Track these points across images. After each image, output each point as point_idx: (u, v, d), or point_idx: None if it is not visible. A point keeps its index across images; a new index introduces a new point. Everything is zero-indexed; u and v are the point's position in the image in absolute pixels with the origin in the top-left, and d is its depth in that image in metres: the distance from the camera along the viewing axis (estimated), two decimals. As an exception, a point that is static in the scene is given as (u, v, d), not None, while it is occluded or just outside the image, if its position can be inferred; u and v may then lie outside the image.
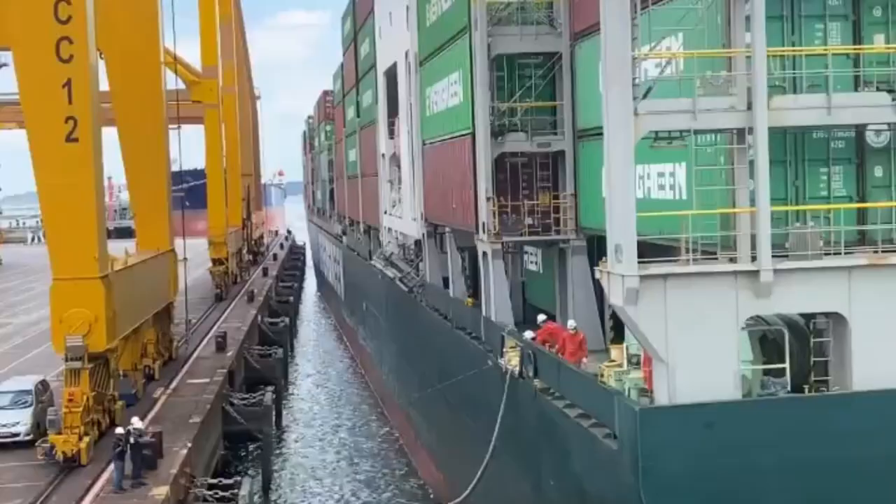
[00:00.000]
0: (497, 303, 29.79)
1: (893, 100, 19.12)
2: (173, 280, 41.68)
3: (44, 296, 32.35)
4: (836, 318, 19.40)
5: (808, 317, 20.23)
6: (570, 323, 25.09)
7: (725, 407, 18.43)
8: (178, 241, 43.49)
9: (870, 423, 18.47)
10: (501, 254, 30.07)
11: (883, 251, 19.46)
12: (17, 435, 29.08)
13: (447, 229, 36.61)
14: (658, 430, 18.31)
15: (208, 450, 32.87)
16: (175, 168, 55.60)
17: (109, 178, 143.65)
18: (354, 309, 68.62)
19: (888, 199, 20.02)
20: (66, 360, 27.70)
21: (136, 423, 26.64)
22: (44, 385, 31.27)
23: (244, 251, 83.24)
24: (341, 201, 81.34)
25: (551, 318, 29.78)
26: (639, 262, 18.61)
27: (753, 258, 18.95)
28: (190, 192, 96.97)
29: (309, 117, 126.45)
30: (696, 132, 19.14)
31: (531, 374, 24.84)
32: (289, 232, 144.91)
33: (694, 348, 18.73)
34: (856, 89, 19.66)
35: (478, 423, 30.31)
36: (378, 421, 50.12)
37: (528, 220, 30.45)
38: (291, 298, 78.92)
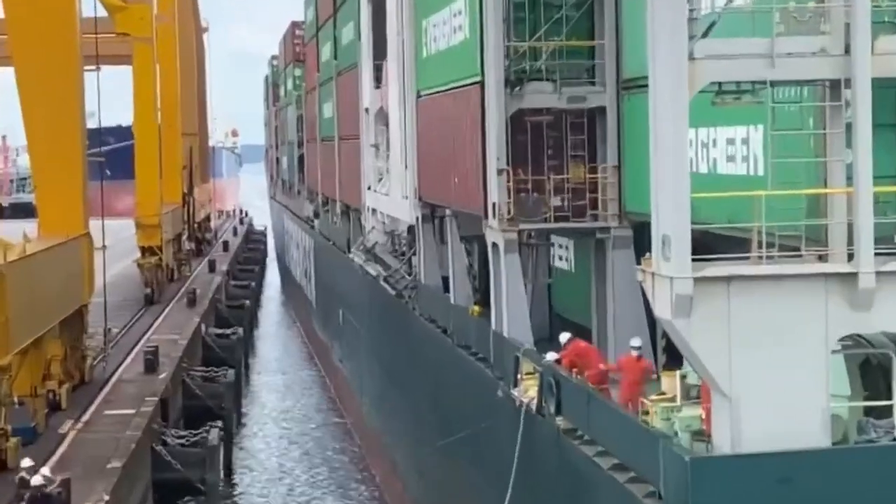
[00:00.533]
0: (511, 312, 29.89)
1: None
2: (88, 275, 41.86)
3: None
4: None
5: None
6: (634, 342, 24.92)
7: (808, 457, 18.44)
8: (96, 224, 43.65)
9: None
10: (518, 246, 30.11)
11: None
12: None
13: (448, 212, 36.70)
14: (716, 486, 18.33)
15: None
16: (92, 124, 55.89)
17: (3, 138, 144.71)
18: (328, 318, 68.93)
19: None
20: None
21: (34, 468, 26.71)
22: None
23: (184, 238, 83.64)
24: (313, 172, 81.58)
25: (584, 332, 29.84)
26: (693, 261, 18.64)
27: (851, 256, 18.98)
28: (112, 156, 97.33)
29: (273, 58, 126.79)
30: (774, 84, 19.14)
31: (553, 409, 24.92)
32: (245, 213, 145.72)
33: (767, 377, 18.74)
34: None
35: (484, 475, 30.42)
36: (356, 470, 50.33)
37: (556, 201, 30.49)
38: (247, 302, 79.45)
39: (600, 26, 29.68)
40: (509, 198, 29.75)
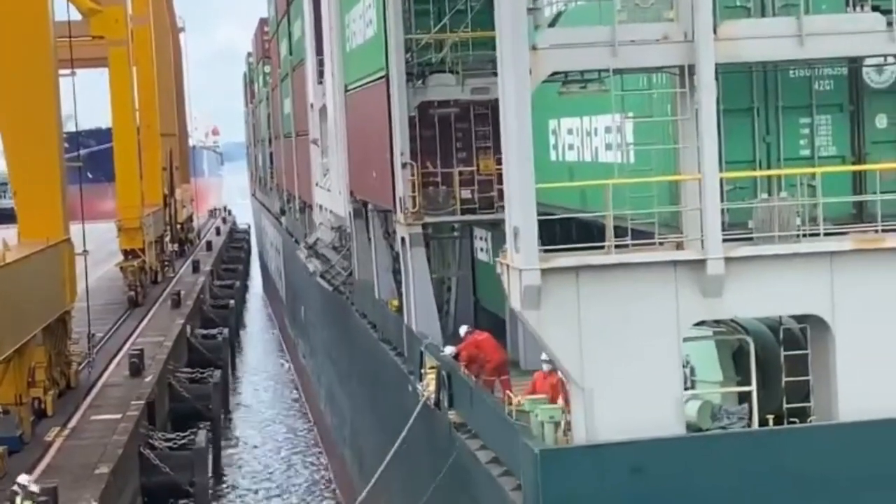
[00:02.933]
0: (418, 306, 29.93)
1: (889, 23, 19.05)
2: (70, 281, 41.76)
3: None
4: (816, 324, 19.38)
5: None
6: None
7: (658, 445, 18.47)
8: (77, 228, 43.70)
9: (857, 466, 18.46)
10: (423, 239, 30.17)
11: (883, 230, 19.43)
12: None
13: (370, 207, 36.79)
14: (566, 477, 18.38)
15: None
16: (70, 128, 55.75)
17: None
18: (295, 315, 69.03)
19: (895, 157, 19.99)
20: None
21: (23, 479, 26.68)
22: None
23: (167, 239, 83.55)
24: (279, 169, 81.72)
25: (499, 324, 29.90)
26: (542, 251, 18.65)
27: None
28: (91, 159, 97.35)
29: (249, 55, 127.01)
30: (618, 72, 19.12)
31: (447, 403, 25.00)
32: (228, 212, 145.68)
33: (620, 367, 18.79)
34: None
35: (404, 469, 30.51)
36: (321, 467, 50.55)
37: (466, 193, 30.55)
38: (232, 302, 79.23)
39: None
40: (414, 192, 29.77)
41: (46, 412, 36.95)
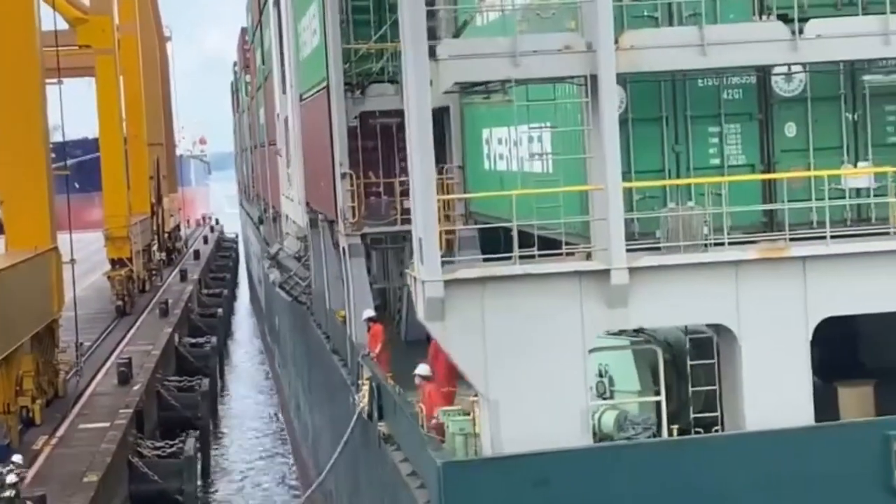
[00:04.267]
0: (358, 316, 29.86)
1: (794, 32, 19.02)
2: (57, 290, 41.82)
3: None
4: (724, 333, 19.34)
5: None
6: (421, 369, 24.53)
7: (562, 457, 18.37)
8: (64, 237, 43.73)
9: (760, 475, 18.38)
10: (363, 249, 30.13)
11: (791, 239, 19.40)
12: None
13: (320, 217, 36.79)
14: (470, 491, 18.30)
15: None
16: (57, 138, 55.77)
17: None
18: (271, 323, 69.06)
19: (804, 165, 19.97)
20: None
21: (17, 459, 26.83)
22: None
23: (154, 248, 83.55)
24: (257, 178, 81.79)
25: None
26: (445, 262, 18.62)
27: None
28: (78, 169, 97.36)
29: (235, 63, 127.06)
30: (520, 83, 19.10)
31: (377, 415, 24.97)
32: (216, 220, 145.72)
33: (525, 378, 18.73)
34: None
35: (345, 482, 30.54)
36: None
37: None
38: (220, 310, 79.17)
39: (438, 32, 29.61)
40: (353, 202, 29.74)
41: (34, 421, 36.94)
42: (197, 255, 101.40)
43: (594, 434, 19.82)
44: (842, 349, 23.75)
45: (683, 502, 18.41)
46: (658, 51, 18.89)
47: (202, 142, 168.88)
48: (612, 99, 18.65)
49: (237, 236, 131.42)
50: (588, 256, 19.27)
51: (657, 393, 20.44)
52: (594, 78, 18.74)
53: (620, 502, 18.42)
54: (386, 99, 30.00)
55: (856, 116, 20.19)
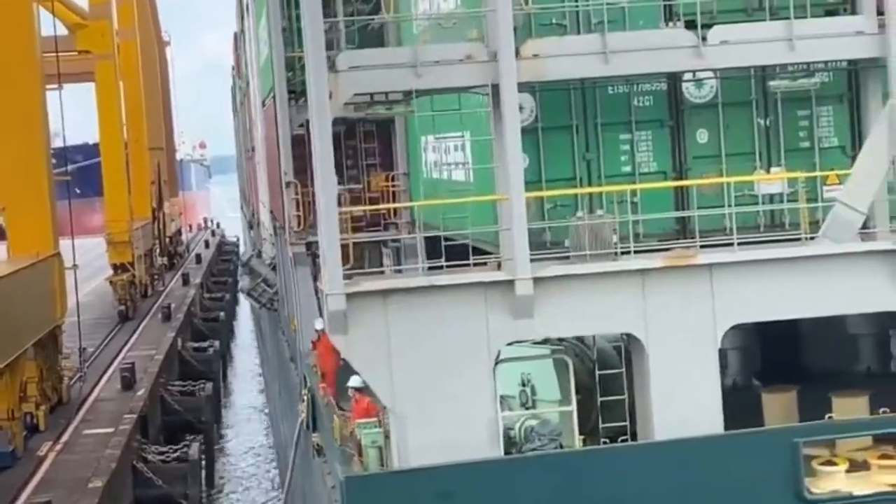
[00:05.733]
0: (304, 324, 29.79)
1: (704, 39, 18.85)
2: (60, 295, 41.98)
3: None
4: (633, 342, 19.19)
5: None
6: (354, 381, 24.50)
7: (465, 469, 18.24)
8: (66, 242, 43.93)
9: (666, 487, 18.21)
10: (307, 258, 30.00)
11: (702, 246, 19.24)
12: None
13: (277, 224, 36.78)
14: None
15: None
16: (58, 143, 55.96)
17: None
18: (261, 328, 69.19)
19: (716, 171, 19.82)
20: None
21: None
22: None
23: (156, 252, 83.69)
24: (246, 182, 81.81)
25: None
26: (347, 274, 18.50)
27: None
28: (80, 174, 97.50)
29: (233, 68, 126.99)
30: (422, 93, 18.97)
31: (312, 426, 24.92)
32: (217, 224, 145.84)
33: (431, 390, 18.60)
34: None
35: (297, 493, 30.49)
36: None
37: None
38: (223, 314, 79.32)
39: (386, 37, 29.52)
40: (298, 210, 29.63)
41: (39, 427, 37.02)
42: (199, 258, 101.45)
43: (514, 444, 19.71)
44: (783, 353, 23.63)
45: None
46: (561, 59, 18.76)
47: (202, 146, 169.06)
48: (513, 108, 18.51)
49: (238, 240, 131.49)
50: (499, 266, 19.14)
51: (579, 402, 20.28)
52: (496, 87, 18.62)
53: (525, 514, 18.29)
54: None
55: (767, 122, 20.07)
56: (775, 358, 23.76)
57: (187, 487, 36.56)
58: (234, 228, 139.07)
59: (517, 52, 18.52)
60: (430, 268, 19.23)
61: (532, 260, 18.85)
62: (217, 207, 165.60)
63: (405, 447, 18.67)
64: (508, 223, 18.75)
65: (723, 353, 23.66)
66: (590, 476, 18.32)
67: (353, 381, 22.69)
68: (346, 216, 20.71)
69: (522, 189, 18.59)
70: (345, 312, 18.39)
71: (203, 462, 42.76)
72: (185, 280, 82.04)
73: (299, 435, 26.88)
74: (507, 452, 19.20)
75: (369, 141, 30.35)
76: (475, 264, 19.36)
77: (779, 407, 20.84)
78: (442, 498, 18.18)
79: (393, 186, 29.68)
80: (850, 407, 20.15)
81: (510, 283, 18.63)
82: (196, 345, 61.80)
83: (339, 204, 29.92)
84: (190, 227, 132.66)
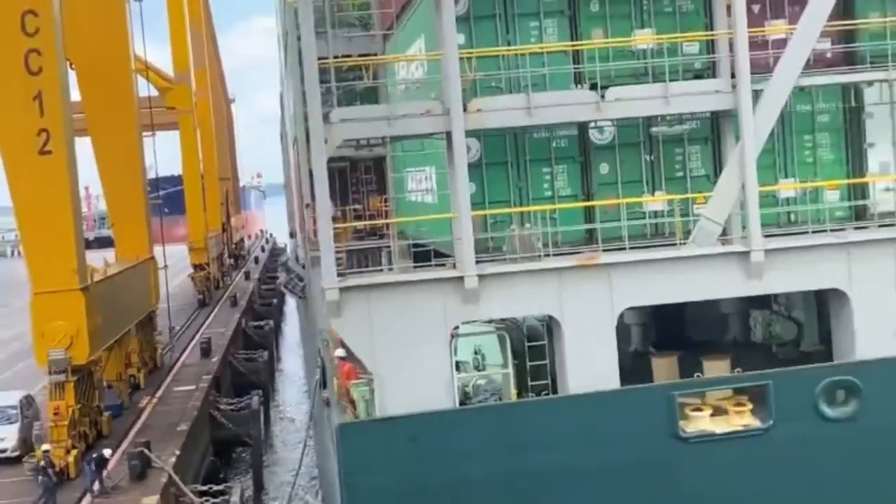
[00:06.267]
0: (320, 308, 29.55)
1: (603, 97, 18.78)
2: (154, 288, 42.10)
3: (24, 310, 32.49)
4: (553, 321, 19.10)
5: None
6: (338, 352, 24.44)
7: (428, 418, 18.16)
8: (158, 249, 44.00)
9: (576, 429, 18.13)
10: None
11: (604, 250, 19.15)
12: (3, 451, 29.22)
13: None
14: (359, 445, 18.10)
15: (197, 457, 33.05)
16: (151, 175, 56.14)
17: (86, 188, 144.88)
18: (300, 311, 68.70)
19: (614, 195, 19.75)
20: (50, 373, 27.68)
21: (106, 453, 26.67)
22: (28, 400, 31.33)
23: (225, 255, 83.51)
24: (290, 204, 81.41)
25: None
26: (342, 273, 18.42)
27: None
28: (168, 198, 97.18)
29: (280, 118, 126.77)
30: (395, 139, 18.88)
31: (322, 384, 24.74)
32: (270, 234, 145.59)
33: (403, 358, 18.50)
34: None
35: (316, 436, 30.22)
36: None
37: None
38: (275, 300, 79.15)
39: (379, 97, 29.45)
40: (314, 225, 29.42)
41: (140, 386, 37.36)
42: (257, 260, 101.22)
43: (469, 398, 19.62)
44: (674, 327, 23.54)
45: (520, 449, 18.16)
46: (497, 113, 18.67)
47: (259, 176, 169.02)
48: (462, 149, 18.45)
49: (285, 246, 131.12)
50: (454, 266, 19.06)
51: (516, 366, 20.18)
52: (449, 134, 18.55)
53: (471, 451, 18.16)
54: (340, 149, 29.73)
55: (652, 158, 19.96)
56: (667, 331, 23.65)
57: (250, 428, 37.27)
58: (283, 238, 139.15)
59: (465, 108, 18.49)
60: (415, 266, 19.07)
61: (478, 261, 18.82)
62: (270, 222, 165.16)
63: (383, 401, 18.58)
64: (459, 234, 18.70)
65: (627, 328, 23.94)
66: (520, 422, 18.24)
67: (338, 352, 22.52)
68: (341, 231, 20.78)
69: (469, 209, 18.51)
70: (338, 302, 18.33)
71: (262, 410, 42.80)
72: (247, 276, 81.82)
73: (315, 391, 26.67)
74: (463, 404, 19.14)
75: (368, 173, 30.21)
76: (436, 265, 19.30)
77: (664, 368, 20.76)
78: (410, 439, 18.10)
79: (385, 206, 29.57)
80: (715, 367, 20.11)
81: (461, 278, 18.57)
82: (255, 323, 61.58)
83: (342, 220, 30.37)
84: (250, 236, 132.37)
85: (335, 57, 19.88)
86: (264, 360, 50.83)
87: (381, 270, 19.09)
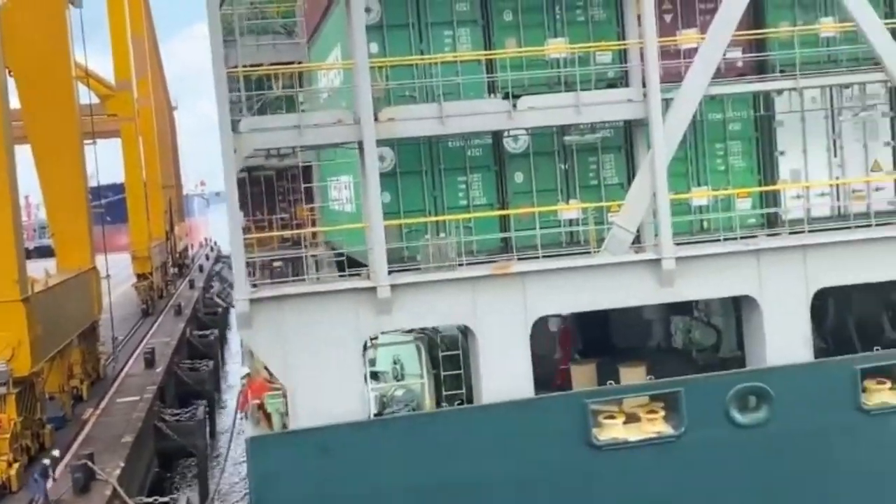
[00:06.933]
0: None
1: (515, 106, 18.73)
2: (97, 298, 41.36)
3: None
4: (468, 331, 18.98)
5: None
6: (243, 370, 24.25)
7: (338, 429, 17.93)
8: (100, 258, 43.24)
9: (490, 439, 18.02)
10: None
11: (519, 259, 19.10)
12: None
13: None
14: (270, 458, 17.85)
15: (142, 468, 32.23)
16: (93, 183, 55.36)
17: (27, 197, 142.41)
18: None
19: (529, 203, 19.71)
20: (-9, 386, 27.27)
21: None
22: None
23: (169, 264, 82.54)
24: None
25: None
26: (255, 285, 18.18)
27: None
28: (110, 206, 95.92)
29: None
30: (305, 148, 18.68)
31: None
32: (214, 242, 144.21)
33: (316, 370, 18.26)
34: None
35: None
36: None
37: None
38: (220, 310, 78.47)
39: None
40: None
41: (83, 397, 36.18)
42: (201, 269, 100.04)
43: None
44: (599, 334, 23.55)
45: (433, 460, 18.02)
46: (409, 122, 18.54)
47: (202, 183, 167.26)
48: (373, 159, 18.26)
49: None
50: (368, 277, 18.89)
51: (435, 376, 20.04)
52: (361, 143, 18.39)
53: (384, 462, 17.99)
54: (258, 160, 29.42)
55: (566, 166, 19.94)
56: (592, 339, 23.67)
57: (196, 439, 36.36)
58: (227, 246, 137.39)
59: (376, 117, 18.32)
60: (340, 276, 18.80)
61: (392, 271, 18.69)
62: (214, 230, 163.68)
63: (295, 414, 18.33)
64: (371, 244, 18.55)
65: (552, 336, 23.93)
66: (433, 432, 18.11)
67: (243, 370, 22.20)
68: (263, 240, 20.54)
69: (381, 218, 18.36)
70: (248, 313, 18.07)
71: (207, 420, 42.34)
72: (192, 285, 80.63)
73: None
74: (379, 415, 18.95)
75: (295, 181, 29.89)
76: (351, 275, 19.12)
77: (582, 376, 20.75)
78: (322, 451, 17.88)
79: (312, 215, 29.30)
80: (631, 374, 20.12)
81: (374, 289, 18.40)
82: (200, 333, 60.66)
83: (270, 229, 30.05)
84: (193, 245, 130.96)
85: (250, 65, 19.71)
86: (209, 370, 50.04)
87: (303, 280, 18.77)
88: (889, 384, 19.11)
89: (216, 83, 18.01)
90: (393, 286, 18.30)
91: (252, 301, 18.05)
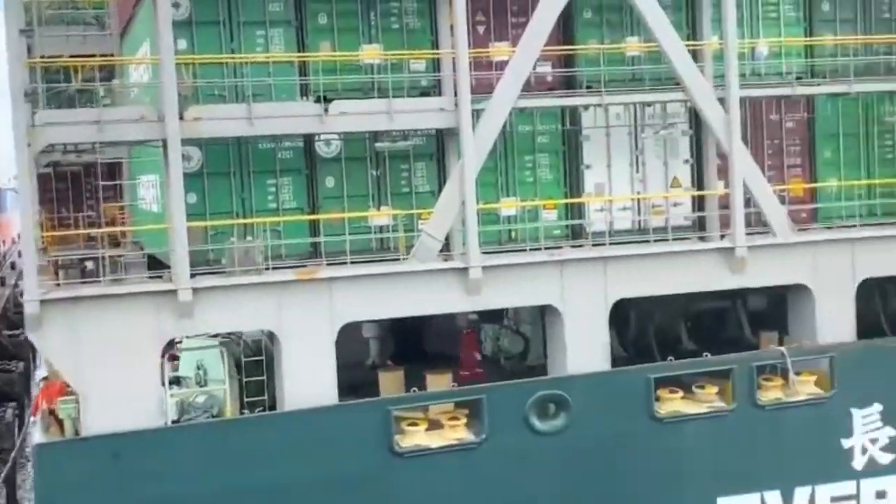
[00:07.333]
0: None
1: (327, 110, 18.55)
2: None
3: None
4: (273, 336, 18.64)
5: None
6: (40, 374, 23.22)
7: (131, 435, 17.28)
8: None
9: (291, 446, 17.74)
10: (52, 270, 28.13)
11: (329, 264, 18.91)
12: None
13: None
14: (58, 466, 17.08)
15: None
16: None
17: None
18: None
19: (340, 209, 19.56)
20: None
21: None
22: None
23: (-24, 261, 78.01)
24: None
25: None
26: (59, 284, 17.35)
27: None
28: None
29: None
30: (106, 145, 18.00)
31: None
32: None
33: (111, 374, 17.53)
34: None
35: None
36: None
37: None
38: None
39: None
40: (43, 231, 27.72)
41: None
42: (13, 266, 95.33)
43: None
44: (413, 341, 23.58)
45: (232, 467, 17.57)
46: (216, 122, 18.09)
47: (15, 178, 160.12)
48: (177, 158, 17.70)
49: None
50: (167, 280, 18.28)
51: (238, 382, 19.58)
52: (165, 142, 17.81)
53: (179, 469, 17.42)
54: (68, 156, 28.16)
55: (378, 172, 19.91)
56: (405, 345, 23.70)
57: (4, 442, 34.90)
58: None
59: (182, 116, 17.79)
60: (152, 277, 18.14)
61: (199, 274, 18.18)
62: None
63: (87, 420, 17.56)
64: (173, 245, 17.98)
65: (366, 342, 23.83)
66: (231, 439, 17.69)
67: (40, 374, 21.30)
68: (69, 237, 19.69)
69: (184, 219, 17.82)
70: (38, 315, 17.21)
71: (17, 423, 40.47)
72: (2, 282, 76.91)
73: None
74: (177, 422, 18.35)
75: (105, 178, 28.68)
76: (152, 277, 18.48)
77: (390, 382, 20.72)
78: (114, 457, 17.20)
79: (122, 215, 28.21)
80: (437, 381, 20.24)
81: (175, 291, 17.84)
82: (10, 332, 57.91)
83: (76, 227, 28.77)
84: (5, 241, 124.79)
85: (51, 57, 18.84)
86: (20, 371, 47.89)
87: (100, 282, 18.01)
88: (681, 393, 19.86)
89: (9, 73, 17.12)
90: (195, 289, 17.80)
91: (43, 302, 17.21)
